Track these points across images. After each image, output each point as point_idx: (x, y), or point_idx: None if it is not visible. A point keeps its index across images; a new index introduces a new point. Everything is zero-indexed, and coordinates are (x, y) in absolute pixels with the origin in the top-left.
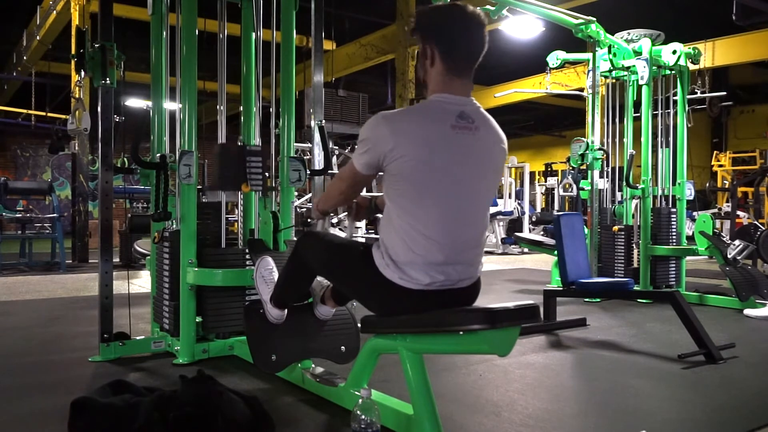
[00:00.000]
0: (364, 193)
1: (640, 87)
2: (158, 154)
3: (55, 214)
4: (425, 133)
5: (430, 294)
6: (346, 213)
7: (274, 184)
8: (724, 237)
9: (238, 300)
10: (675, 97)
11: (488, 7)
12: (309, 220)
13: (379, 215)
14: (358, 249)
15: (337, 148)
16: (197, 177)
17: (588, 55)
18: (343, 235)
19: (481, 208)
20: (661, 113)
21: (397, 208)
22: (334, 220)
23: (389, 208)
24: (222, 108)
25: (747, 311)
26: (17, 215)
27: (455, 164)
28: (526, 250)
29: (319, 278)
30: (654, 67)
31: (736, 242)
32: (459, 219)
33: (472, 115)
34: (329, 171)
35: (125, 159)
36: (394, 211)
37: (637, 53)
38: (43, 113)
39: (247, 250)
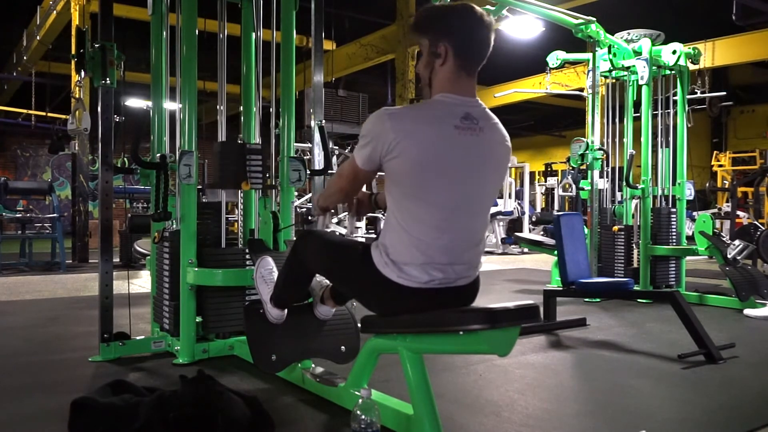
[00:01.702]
0: (364, 189)
1: (640, 87)
2: (158, 154)
3: (55, 214)
4: (428, 133)
5: (429, 292)
6: (346, 211)
7: (274, 183)
8: (724, 237)
9: (238, 300)
10: (675, 97)
11: (488, 7)
12: (309, 217)
13: (379, 213)
14: (356, 248)
15: (337, 148)
16: (197, 177)
17: (588, 55)
18: (344, 232)
19: (481, 210)
20: (661, 113)
21: (398, 208)
22: (335, 219)
23: (390, 207)
24: (222, 108)
25: (747, 311)
26: (17, 215)
27: (457, 165)
28: (526, 250)
29: (318, 278)
30: (654, 67)
31: (736, 242)
32: (459, 220)
33: (477, 116)
34: (329, 171)
35: (125, 159)
36: (394, 210)
37: (637, 53)
38: (43, 113)
39: (247, 250)
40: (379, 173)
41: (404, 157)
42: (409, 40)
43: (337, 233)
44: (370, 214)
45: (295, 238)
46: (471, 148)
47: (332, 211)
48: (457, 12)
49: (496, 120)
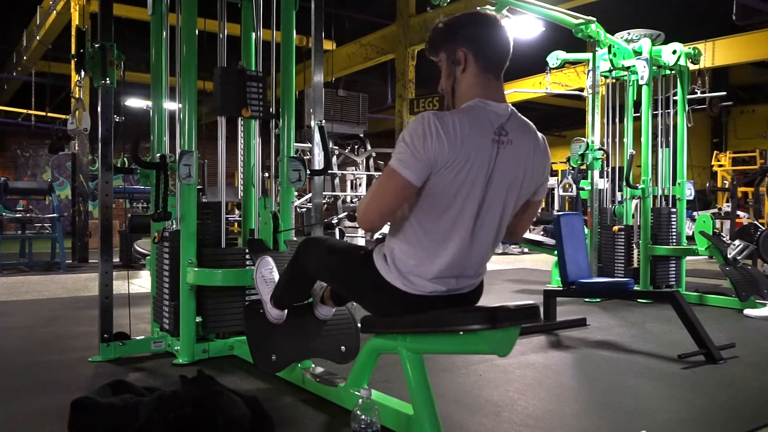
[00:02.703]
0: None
1: (640, 87)
2: (158, 154)
3: (55, 214)
4: (475, 146)
5: (432, 299)
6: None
7: (273, 112)
8: (724, 237)
9: (238, 300)
10: (675, 97)
11: (488, 7)
12: (369, 246)
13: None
14: (358, 253)
15: (337, 148)
16: (197, 177)
17: (588, 55)
18: (362, 242)
19: (499, 226)
20: (661, 113)
21: (415, 218)
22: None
23: (406, 215)
24: None
25: (747, 311)
26: (17, 215)
27: (487, 182)
28: (526, 250)
29: None
30: (654, 67)
31: (736, 242)
32: (477, 236)
33: (509, 126)
34: (329, 171)
35: (125, 159)
36: (410, 219)
37: (637, 53)
38: (43, 113)
39: (247, 250)
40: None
41: (453, 170)
42: (409, 40)
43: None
44: None
45: (296, 240)
46: (500, 166)
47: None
48: (469, 18)
49: (529, 126)
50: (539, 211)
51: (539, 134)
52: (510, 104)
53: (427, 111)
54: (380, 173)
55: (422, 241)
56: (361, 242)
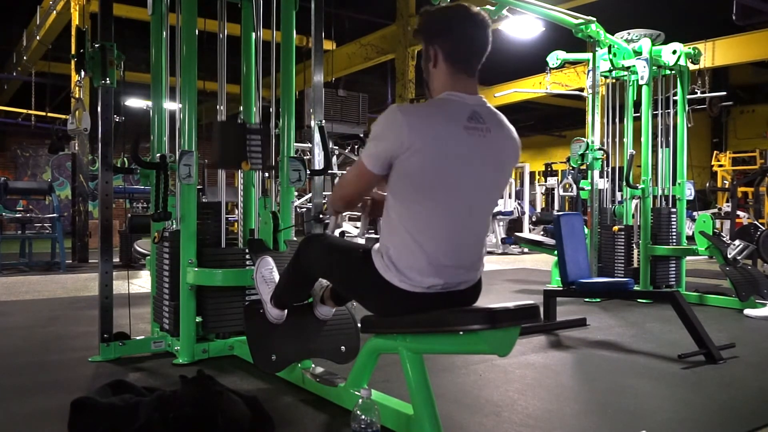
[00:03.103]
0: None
1: (640, 87)
2: (158, 154)
3: (55, 214)
4: (442, 131)
5: (431, 296)
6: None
7: (273, 163)
8: (724, 237)
9: (238, 300)
10: (675, 97)
11: (488, 7)
12: (321, 215)
13: None
14: (358, 252)
15: (337, 148)
16: (197, 177)
17: (588, 55)
18: (356, 232)
19: (484, 213)
20: (661, 113)
21: (400, 210)
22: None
23: (391, 208)
24: (222, 108)
25: (747, 311)
26: (17, 215)
27: (464, 168)
28: (526, 250)
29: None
30: (654, 67)
31: (736, 242)
32: (462, 224)
33: (484, 115)
34: (329, 171)
35: (125, 159)
36: (395, 212)
37: (637, 53)
38: (43, 113)
39: (247, 250)
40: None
41: (419, 155)
42: (409, 40)
43: (347, 233)
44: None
45: (296, 240)
46: (480, 151)
47: (343, 213)
48: (448, 13)
49: (503, 117)
50: (539, 212)
51: (512, 126)
52: (483, 97)
53: (395, 104)
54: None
55: (411, 232)
56: (361, 241)
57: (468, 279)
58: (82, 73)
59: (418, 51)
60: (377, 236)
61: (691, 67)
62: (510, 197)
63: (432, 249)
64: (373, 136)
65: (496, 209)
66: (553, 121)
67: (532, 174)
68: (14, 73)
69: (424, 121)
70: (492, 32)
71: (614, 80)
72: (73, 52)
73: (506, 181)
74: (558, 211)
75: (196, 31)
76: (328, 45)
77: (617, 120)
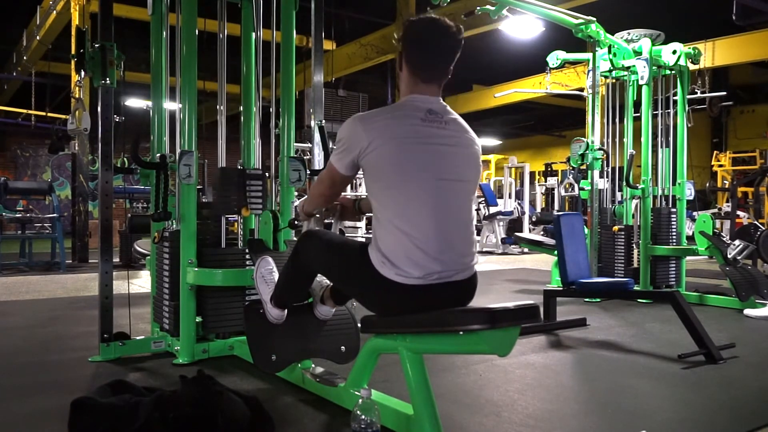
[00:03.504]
0: (348, 194)
1: (640, 87)
2: (158, 154)
3: (55, 214)
4: (396, 126)
5: (428, 288)
6: (331, 216)
7: (273, 202)
8: (724, 237)
9: (238, 300)
10: (675, 97)
11: (488, 7)
12: (296, 222)
13: (368, 214)
14: (356, 248)
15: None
16: (197, 177)
17: (588, 55)
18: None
19: (462, 197)
20: (661, 113)
21: (381, 205)
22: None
23: (374, 206)
24: (222, 108)
25: (747, 311)
26: (17, 215)
27: (429, 154)
28: (526, 250)
29: (318, 278)
30: (654, 67)
31: (736, 242)
32: (443, 210)
33: (441, 112)
34: None
35: (125, 159)
36: (378, 208)
37: (637, 53)
38: (43, 113)
39: (247, 250)
40: (357, 173)
41: (379, 151)
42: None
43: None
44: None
45: (296, 238)
46: (441, 139)
47: (317, 215)
48: (415, 25)
49: (462, 121)
50: (539, 212)
51: (471, 130)
52: (440, 99)
53: (355, 114)
54: None
55: (395, 224)
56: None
57: (461, 268)
58: (82, 73)
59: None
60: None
61: (691, 67)
62: (510, 197)
63: (419, 235)
64: (337, 142)
65: (496, 209)
66: (553, 121)
67: (532, 174)
68: (14, 73)
69: (381, 122)
70: (490, 33)
71: (614, 80)
72: (73, 52)
73: (477, 173)
74: (558, 211)
75: (196, 31)
76: (328, 45)
77: (617, 120)
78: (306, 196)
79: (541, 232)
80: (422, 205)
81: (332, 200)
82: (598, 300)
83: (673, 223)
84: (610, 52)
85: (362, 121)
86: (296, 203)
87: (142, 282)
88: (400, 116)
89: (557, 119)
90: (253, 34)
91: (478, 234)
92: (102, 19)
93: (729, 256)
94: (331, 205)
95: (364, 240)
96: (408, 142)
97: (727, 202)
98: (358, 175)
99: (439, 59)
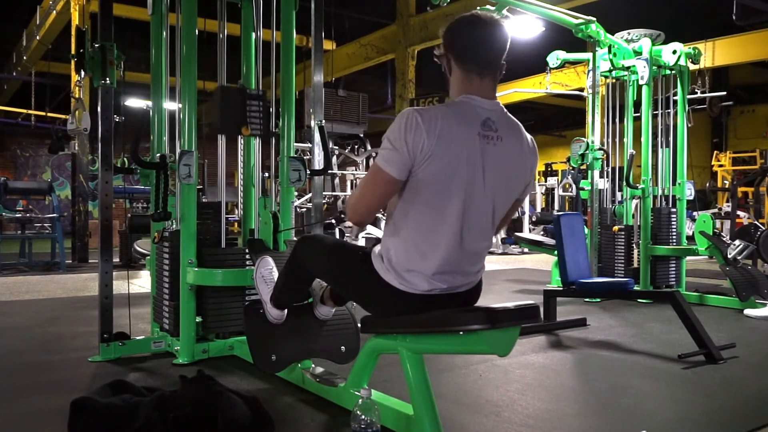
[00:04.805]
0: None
1: (640, 87)
2: (158, 154)
3: (55, 214)
4: (456, 136)
5: (431, 298)
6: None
7: (274, 129)
8: (724, 237)
9: (238, 300)
10: (675, 97)
11: (488, 7)
12: (342, 214)
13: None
14: (356, 253)
15: (337, 148)
16: (197, 177)
17: (588, 55)
18: (378, 233)
19: (492, 222)
20: (661, 113)
21: (406, 214)
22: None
23: (397, 212)
24: None
25: (747, 311)
26: (17, 215)
27: (475, 176)
28: (526, 250)
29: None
30: (654, 67)
31: (736, 242)
32: (468, 232)
33: (497, 122)
34: (329, 171)
35: (125, 159)
36: (401, 215)
37: (637, 53)
38: (43, 113)
39: (247, 250)
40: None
41: (437, 161)
42: (409, 40)
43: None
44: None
45: (295, 241)
46: (490, 159)
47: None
48: (459, 20)
49: (517, 124)
50: (539, 212)
51: (528, 134)
52: (500, 103)
53: (410, 107)
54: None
55: (414, 238)
56: (361, 242)
57: (469, 282)
58: (82, 73)
59: (419, 51)
60: (372, 236)
61: (691, 67)
62: None
63: (434, 257)
64: (392, 140)
65: None
66: (553, 121)
67: None
68: (14, 73)
69: (442, 122)
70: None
71: (614, 80)
72: (73, 52)
73: (521, 185)
74: (558, 211)
75: (196, 31)
76: (328, 45)
77: (617, 120)
78: (350, 201)
79: (541, 232)
80: (450, 234)
81: (380, 208)
82: (598, 300)
83: (673, 223)
84: (610, 52)
85: (423, 119)
86: (297, 201)
87: (142, 282)
88: (461, 124)
89: (557, 119)
90: (253, 34)
91: None
92: (102, 19)
93: (729, 256)
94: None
95: (363, 243)
96: (461, 160)
97: (727, 202)
98: (351, 173)
99: (492, 48)
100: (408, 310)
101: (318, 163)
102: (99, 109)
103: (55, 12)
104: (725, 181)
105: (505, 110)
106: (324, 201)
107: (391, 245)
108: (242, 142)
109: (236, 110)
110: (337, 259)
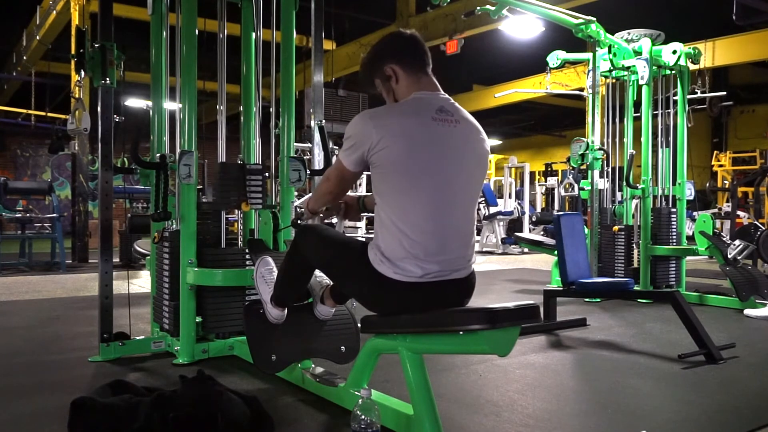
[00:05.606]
0: (351, 192)
1: (640, 87)
2: (158, 154)
3: (55, 214)
4: (407, 125)
5: (425, 286)
6: (335, 214)
7: (273, 203)
8: (724, 237)
9: (238, 300)
10: (675, 97)
11: (488, 7)
12: (299, 222)
13: (370, 214)
14: (355, 246)
15: (337, 148)
16: (197, 177)
17: (588, 55)
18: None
19: (467, 202)
20: (661, 113)
21: (385, 204)
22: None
23: (378, 204)
24: (222, 108)
25: (747, 311)
26: (17, 215)
27: (438, 155)
28: (526, 250)
29: (318, 278)
30: (654, 67)
31: (736, 242)
32: (446, 212)
33: (451, 109)
34: None
35: (125, 159)
36: (382, 207)
37: (637, 53)
38: (43, 113)
39: (247, 250)
40: (365, 171)
41: (388, 150)
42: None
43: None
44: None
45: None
46: (450, 138)
47: (321, 214)
48: (382, 42)
49: (472, 117)
50: (539, 212)
51: (481, 128)
52: (449, 97)
53: (364, 110)
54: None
55: (396, 224)
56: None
57: (459, 267)
58: (82, 73)
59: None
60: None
61: (691, 67)
62: (510, 197)
63: (419, 238)
64: (346, 138)
65: (496, 209)
66: (553, 121)
67: (532, 174)
68: (14, 73)
69: (391, 119)
70: (490, 32)
71: (614, 80)
72: (73, 52)
73: (483, 173)
74: (558, 211)
75: (196, 31)
76: (328, 45)
77: (617, 120)
78: (311, 194)
79: (541, 232)
80: (426, 208)
81: (339, 198)
82: (598, 300)
83: (673, 223)
84: (610, 52)
85: (372, 118)
86: (297, 202)
87: (142, 282)
88: (411, 113)
89: (557, 119)
90: (253, 34)
91: (478, 234)
92: (102, 19)
93: (729, 256)
94: (335, 204)
95: (364, 239)
96: (418, 141)
97: (727, 202)
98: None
99: (424, 47)
100: (404, 301)
101: (318, 163)
102: (99, 109)
103: (55, 12)
104: (725, 181)
105: (457, 104)
106: (300, 207)
107: (380, 238)
108: (243, 142)
109: (236, 186)
110: (336, 251)
